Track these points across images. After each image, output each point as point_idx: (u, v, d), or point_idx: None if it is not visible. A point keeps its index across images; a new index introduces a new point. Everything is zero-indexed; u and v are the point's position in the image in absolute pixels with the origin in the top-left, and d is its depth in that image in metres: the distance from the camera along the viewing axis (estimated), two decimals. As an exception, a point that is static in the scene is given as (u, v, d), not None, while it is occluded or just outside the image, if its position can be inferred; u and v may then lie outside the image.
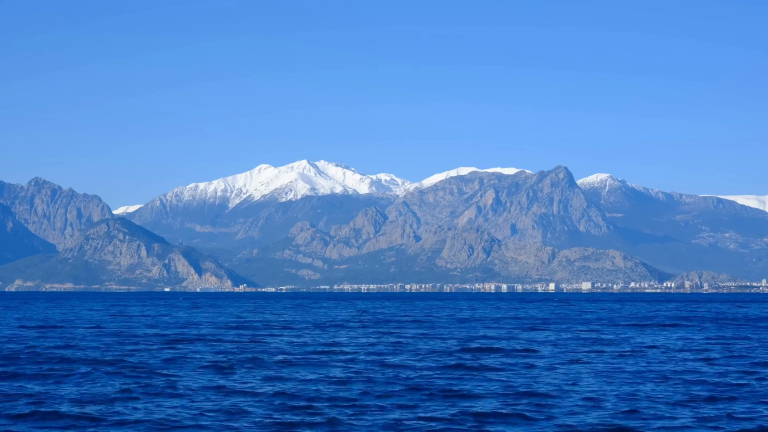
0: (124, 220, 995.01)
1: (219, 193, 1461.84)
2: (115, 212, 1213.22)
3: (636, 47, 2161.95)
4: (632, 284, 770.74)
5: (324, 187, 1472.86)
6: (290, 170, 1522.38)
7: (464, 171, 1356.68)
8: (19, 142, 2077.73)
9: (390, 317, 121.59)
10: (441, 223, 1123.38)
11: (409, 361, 51.27)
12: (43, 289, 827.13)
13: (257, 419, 32.03)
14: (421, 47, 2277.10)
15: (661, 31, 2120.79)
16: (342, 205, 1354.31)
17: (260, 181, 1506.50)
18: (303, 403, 35.33)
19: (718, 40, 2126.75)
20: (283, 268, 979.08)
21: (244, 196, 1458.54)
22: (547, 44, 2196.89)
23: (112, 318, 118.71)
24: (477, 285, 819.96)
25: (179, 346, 64.12)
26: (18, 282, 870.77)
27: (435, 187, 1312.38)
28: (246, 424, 31.17)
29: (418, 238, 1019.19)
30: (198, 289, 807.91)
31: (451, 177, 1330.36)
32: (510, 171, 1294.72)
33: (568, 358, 54.31)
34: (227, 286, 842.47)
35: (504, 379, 42.98)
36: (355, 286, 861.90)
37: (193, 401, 36.10)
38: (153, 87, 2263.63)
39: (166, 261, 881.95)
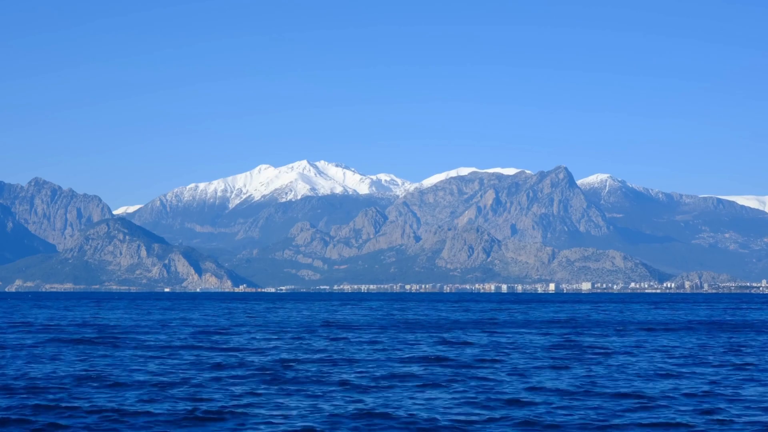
0: (124, 221, 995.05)
1: (219, 194, 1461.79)
2: (115, 212, 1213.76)
3: (636, 47, 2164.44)
4: (632, 284, 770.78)
5: (324, 187, 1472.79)
6: (290, 170, 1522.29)
7: (464, 171, 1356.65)
8: (19, 142, 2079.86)
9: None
10: (441, 224, 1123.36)
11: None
12: (43, 290, 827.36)
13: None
14: (421, 47, 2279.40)
15: (661, 31, 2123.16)
16: (342, 205, 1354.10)
17: (260, 181, 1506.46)
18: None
19: (718, 40, 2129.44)
20: (283, 269, 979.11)
21: (244, 197, 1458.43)
22: (547, 44, 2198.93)
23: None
24: (477, 285, 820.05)
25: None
26: (18, 282, 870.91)
27: (435, 188, 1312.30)
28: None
29: (418, 239, 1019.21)
30: (198, 290, 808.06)
31: (451, 177, 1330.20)
32: (510, 171, 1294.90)
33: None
34: (227, 286, 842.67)
35: None
36: (355, 287, 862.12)
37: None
38: (153, 87, 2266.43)
39: (166, 261, 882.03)
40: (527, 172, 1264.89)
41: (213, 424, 31.63)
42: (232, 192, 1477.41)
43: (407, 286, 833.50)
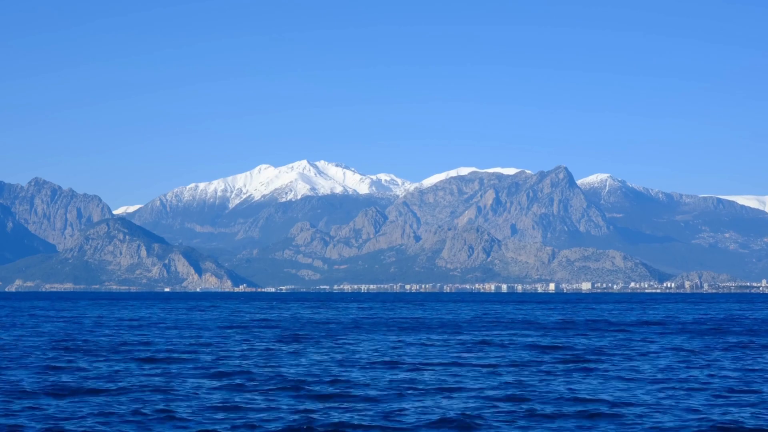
0: (124, 220, 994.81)
1: (219, 193, 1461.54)
2: (115, 212, 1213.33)
3: (636, 47, 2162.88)
4: (632, 284, 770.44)
5: (324, 187, 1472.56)
6: (290, 170, 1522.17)
7: (464, 171, 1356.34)
8: (19, 142, 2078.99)
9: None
10: (441, 223, 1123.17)
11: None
12: (43, 290, 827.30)
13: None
14: (421, 47, 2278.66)
15: (661, 31, 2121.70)
16: (342, 205, 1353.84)
17: (260, 181, 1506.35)
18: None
19: (718, 40, 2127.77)
20: (283, 269, 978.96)
21: (244, 197, 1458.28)
22: (547, 44, 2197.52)
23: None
24: (477, 285, 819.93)
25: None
26: (18, 282, 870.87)
27: (435, 188, 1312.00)
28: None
29: (418, 238, 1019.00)
30: (198, 290, 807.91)
31: (451, 177, 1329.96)
32: (510, 171, 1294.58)
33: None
34: (227, 286, 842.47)
35: None
36: (355, 287, 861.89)
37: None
38: (153, 87, 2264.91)
39: (166, 261, 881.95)
40: (527, 172, 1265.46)
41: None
42: (232, 192, 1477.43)
43: (407, 286, 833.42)
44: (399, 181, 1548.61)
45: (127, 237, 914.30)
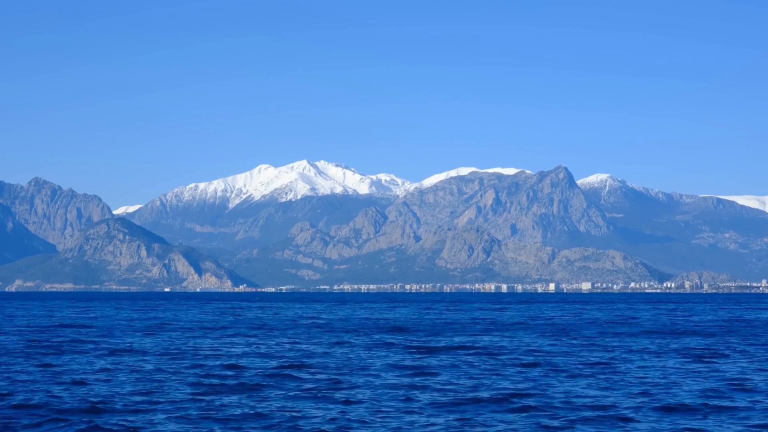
0: (124, 220, 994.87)
1: (219, 193, 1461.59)
2: (115, 212, 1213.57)
3: (636, 47, 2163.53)
4: (632, 284, 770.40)
5: (324, 187, 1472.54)
6: (290, 170, 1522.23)
7: (464, 171, 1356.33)
8: (19, 142, 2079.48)
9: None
10: (441, 224, 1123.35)
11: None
12: (43, 290, 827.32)
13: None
14: (421, 47, 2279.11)
15: (661, 31, 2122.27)
16: (342, 205, 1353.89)
17: (260, 181, 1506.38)
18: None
19: (718, 40, 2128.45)
20: (283, 269, 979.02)
21: (244, 197, 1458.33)
22: (547, 44, 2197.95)
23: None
24: (477, 285, 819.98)
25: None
26: (18, 282, 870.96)
27: (435, 188, 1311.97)
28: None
29: (418, 239, 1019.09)
30: (198, 290, 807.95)
31: (451, 177, 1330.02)
32: (510, 171, 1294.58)
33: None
34: (227, 286, 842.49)
35: None
36: (355, 287, 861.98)
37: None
38: (153, 87, 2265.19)
39: (166, 261, 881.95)
40: (527, 172, 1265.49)
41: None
42: (232, 192, 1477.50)
43: (407, 286, 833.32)
44: (399, 181, 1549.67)
45: (127, 237, 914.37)
